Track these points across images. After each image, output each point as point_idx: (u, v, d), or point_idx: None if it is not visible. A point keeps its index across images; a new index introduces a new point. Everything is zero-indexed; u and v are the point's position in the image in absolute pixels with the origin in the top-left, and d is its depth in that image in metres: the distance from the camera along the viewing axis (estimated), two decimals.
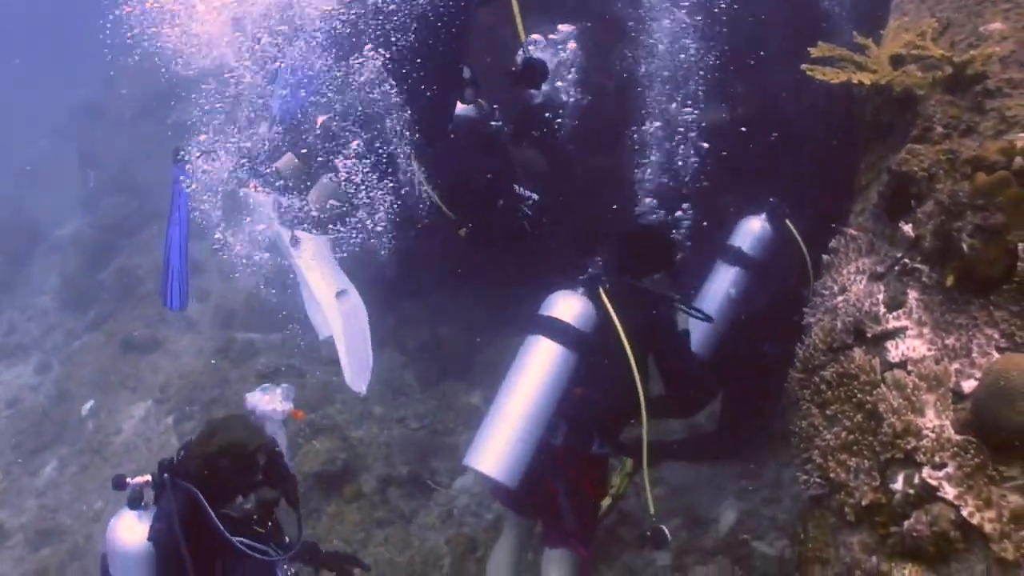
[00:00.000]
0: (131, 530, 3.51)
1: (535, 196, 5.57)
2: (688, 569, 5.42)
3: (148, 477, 3.63)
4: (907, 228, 3.39)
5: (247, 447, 3.58)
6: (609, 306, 4.44)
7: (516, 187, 5.63)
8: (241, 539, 3.46)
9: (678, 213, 5.58)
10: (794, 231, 5.19)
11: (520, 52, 5.40)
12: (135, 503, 3.59)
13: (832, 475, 3.19)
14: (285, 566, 3.70)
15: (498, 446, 4.23)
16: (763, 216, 5.30)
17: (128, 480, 3.61)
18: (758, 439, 5.75)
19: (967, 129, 3.48)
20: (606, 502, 4.91)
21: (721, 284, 5.22)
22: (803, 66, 3.89)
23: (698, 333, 5.03)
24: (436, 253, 7.17)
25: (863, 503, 3.02)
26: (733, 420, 5.55)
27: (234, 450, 3.55)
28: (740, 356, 5.17)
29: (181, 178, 5.68)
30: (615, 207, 5.96)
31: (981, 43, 3.69)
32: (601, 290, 4.52)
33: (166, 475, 3.56)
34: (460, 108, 5.66)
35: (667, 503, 5.73)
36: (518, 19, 5.24)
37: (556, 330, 4.36)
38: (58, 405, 10.62)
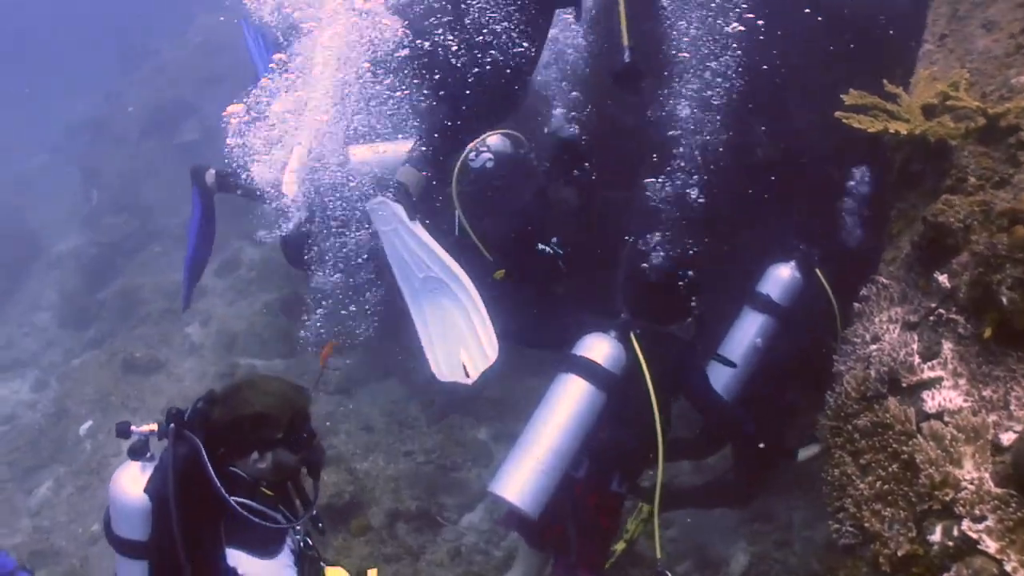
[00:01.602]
0: (132, 481, 3.28)
1: (559, 251, 5.57)
2: None
3: (155, 426, 3.38)
4: (943, 279, 3.40)
5: (273, 402, 3.39)
6: (639, 350, 4.54)
7: (542, 245, 5.63)
8: (242, 500, 3.25)
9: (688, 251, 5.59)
10: (824, 281, 5.18)
11: (625, 55, 5.35)
12: (137, 453, 3.33)
13: (866, 525, 3.19)
14: (298, 536, 3.52)
15: (524, 476, 4.32)
16: (792, 264, 5.31)
17: (132, 428, 3.37)
18: (771, 486, 5.71)
19: (1000, 181, 3.51)
20: (620, 546, 4.91)
21: (748, 331, 5.22)
22: (837, 114, 3.92)
23: (723, 379, 5.04)
24: None
25: (899, 554, 3.01)
26: (750, 468, 5.53)
27: (258, 403, 3.37)
28: (764, 404, 5.16)
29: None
30: (627, 250, 5.97)
31: (1013, 95, 3.73)
32: (632, 335, 4.63)
33: (172, 425, 3.31)
34: (495, 141, 5.73)
35: (679, 544, 5.70)
36: (623, 21, 5.28)
37: (587, 370, 4.48)
38: (55, 424, 10.44)
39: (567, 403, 4.44)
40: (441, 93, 5.56)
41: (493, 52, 5.39)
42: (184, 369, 10.37)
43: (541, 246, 5.57)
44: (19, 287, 15.17)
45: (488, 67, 5.42)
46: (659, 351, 4.62)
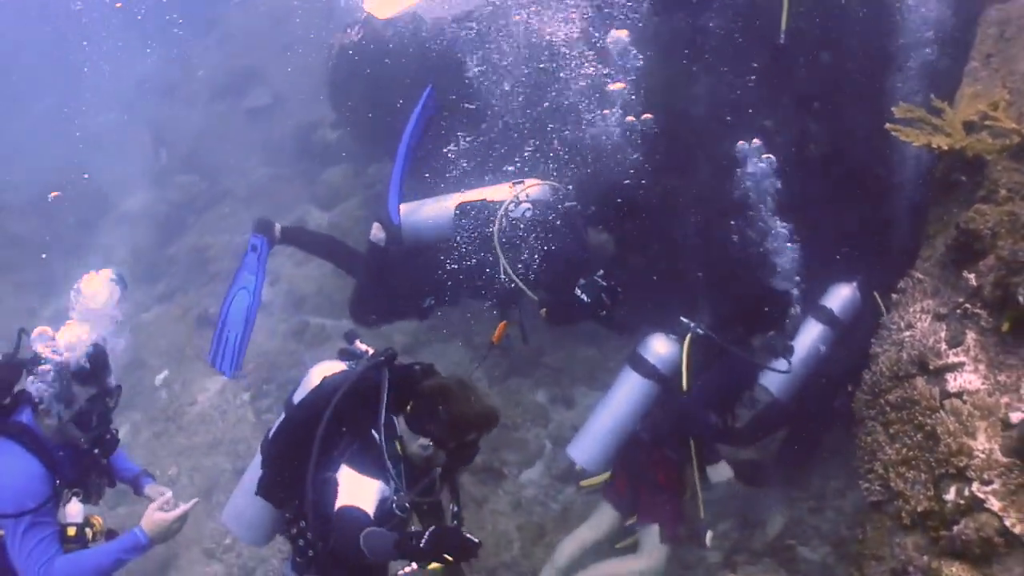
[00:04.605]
0: (324, 370, 4.12)
1: (605, 284, 6.02)
2: (737, 567, 5.92)
3: (372, 349, 4.21)
4: (970, 278, 3.90)
5: (473, 418, 3.84)
6: (685, 353, 5.49)
7: (579, 289, 6.07)
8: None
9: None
10: (881, 304, 5.49)
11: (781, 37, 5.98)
12: (345, 356, 4.23)
13: (892, 484, 3.73)
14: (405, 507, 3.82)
15: (588, 444, 5.78)
16: (854, 285, 5.82)
17: (357, 340, 4.30)
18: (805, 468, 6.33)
19: None
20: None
21: (810, 338, 5.69)
22: (887, 126, 4.40)
23: (782, 378, 5.55)
24: None
25: (918, 509, 3.55)
26: (788, 458, 6.13)
27: (466, 411, 3.82)
28: (813, 408, 5.73)
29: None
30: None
31: None
32: (688, 336, 5.52)
33: (382, 359, 3.98)
34: (536, 191, 6.16)
35: (722, 506, 6.17)
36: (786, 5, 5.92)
37: (642, 366, 5.68)
38: (130, 373, 10.80)
39: (623, 392, 5.72)
40: None
41: None
42: (255, 327, 10.80)
43: (578, 290, 6.05)
44: (90, 242, 15.59)
45: None
46: (710, 356, 5.51)
